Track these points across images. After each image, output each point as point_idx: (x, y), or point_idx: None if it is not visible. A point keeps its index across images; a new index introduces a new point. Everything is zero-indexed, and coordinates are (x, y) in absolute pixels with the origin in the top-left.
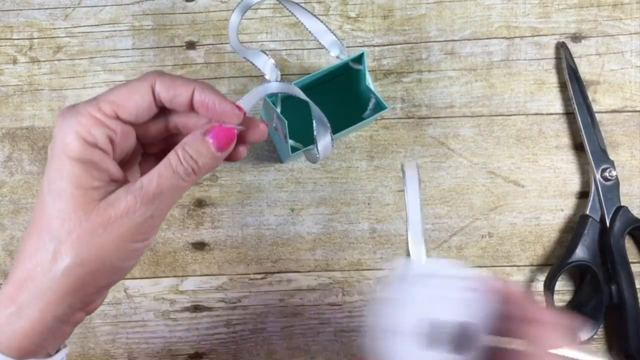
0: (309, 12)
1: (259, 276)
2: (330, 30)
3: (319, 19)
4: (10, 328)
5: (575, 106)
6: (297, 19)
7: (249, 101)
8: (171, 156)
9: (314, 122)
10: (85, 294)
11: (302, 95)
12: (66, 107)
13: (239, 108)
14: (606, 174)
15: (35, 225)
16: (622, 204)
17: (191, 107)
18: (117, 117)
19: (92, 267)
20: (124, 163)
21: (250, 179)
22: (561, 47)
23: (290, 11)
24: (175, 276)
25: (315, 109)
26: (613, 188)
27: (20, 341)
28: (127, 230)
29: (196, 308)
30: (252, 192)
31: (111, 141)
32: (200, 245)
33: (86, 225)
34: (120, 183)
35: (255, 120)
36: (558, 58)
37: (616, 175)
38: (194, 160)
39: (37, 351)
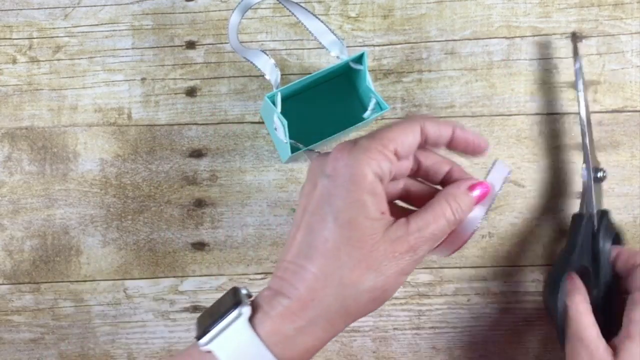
0: (309, 12)
1: (259, 276)
2: (330, 30)
3: (319, 19)
4: (295, 342)
5: (580, 101)
6: (297, 19)
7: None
8: (443, 206)
9: None
10: (360, 316)
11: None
12: (347, 144)
13: (485, 142)
14: (599, 174)
15: (317, 249)
16: (621, 204)
17: (449, 144)
18: (396, 154)
19: (376, 295)
20: None
21: (250, 179)
22: (575, 39)
23: (290, 11)
24: (174, 276)
25: None
26: (599, 190)
27: (301, 355)
28: (406, 266)
29: (196, 308)
30: (252, 192)
31: (388, 175)
32: (199, 246)
33: (374, 255)
34: (385, 214)
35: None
36: (559, 58)
37: (605, 177)
38: (462, 212)
39: None
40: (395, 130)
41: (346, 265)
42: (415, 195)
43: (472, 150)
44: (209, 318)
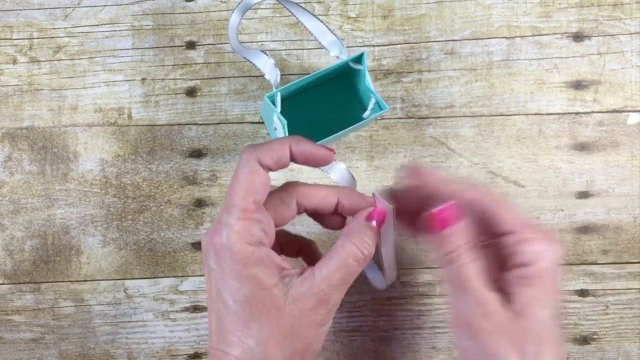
0: (309, 12)
1: None
2: (330, 30)
3: (319, 19)
4: None
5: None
6: (297, 19)
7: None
8: (347, 248)
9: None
10: None
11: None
12: (216, 227)
13: (330, 150)
14: None
15: (230, 333)
16: (621, 204)
17: (292, 160)
18: (256, 204)
19: (301, 357)
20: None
21: None
22: None
23: (290, 11)
24: (174, 276)
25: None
26: None
27: None
28: (323, 318)
29: (196, 308)
30: None
31: (265, 232)
32: (200, 246)
33: (285, 322)
34: (286, 271)
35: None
36: (559, 58)
37: None
38: (369, 245)
39: None
40: (240, 185)
41: (262, 340)
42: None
43: (313, 162)
44: None
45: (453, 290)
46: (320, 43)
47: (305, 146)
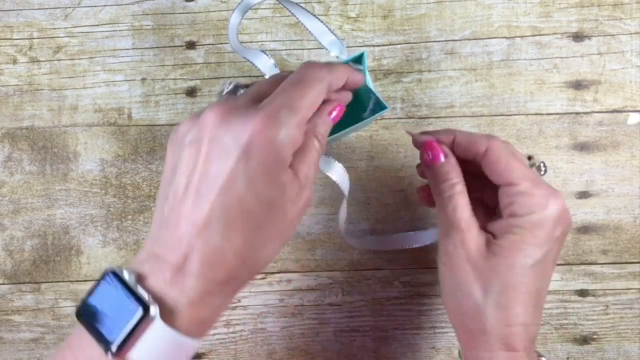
0: (309, 12)
1: (259, 276)
2: (330, 30)
3: (319, 19)
4: (209, 319)
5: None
6: (297, 19)
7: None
8: (314, 142)
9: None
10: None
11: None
12: (268, 112)
13: (361, 75)
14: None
15: (237, 231)
16: (621, 204)
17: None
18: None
19: (283, 243)
20: None
21: None
22: None
23: (290, 11)
24: None
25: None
26: None
27: (215, 323)
28: (301, 218)
29: None
30: None
31: None
32: None
33: (284, 226)
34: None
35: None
36: (559, 58)
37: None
38: (323, 137)
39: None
40: (310, 96)
41: (265, 243)
42: None
43: (349, 87)
44: (108, 322)
45: (443, 221)
46: (320, 43)
47: (356, 75)
